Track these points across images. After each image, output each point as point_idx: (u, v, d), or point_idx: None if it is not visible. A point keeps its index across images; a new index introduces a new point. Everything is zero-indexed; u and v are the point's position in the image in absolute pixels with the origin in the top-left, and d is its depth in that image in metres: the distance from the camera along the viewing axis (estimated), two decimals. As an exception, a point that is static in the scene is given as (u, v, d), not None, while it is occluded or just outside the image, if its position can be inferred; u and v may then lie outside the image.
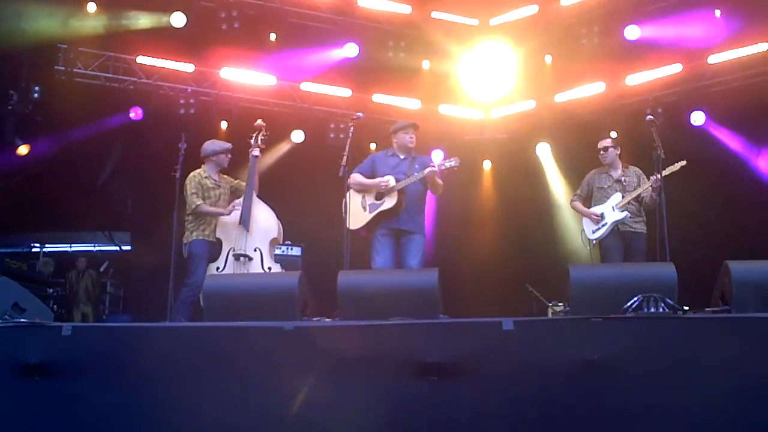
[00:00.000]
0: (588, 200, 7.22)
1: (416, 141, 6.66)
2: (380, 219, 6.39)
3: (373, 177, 6.49)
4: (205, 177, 6.64)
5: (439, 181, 6.44)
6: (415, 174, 6.36)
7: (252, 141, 6.74)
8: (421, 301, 4.31)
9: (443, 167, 6.32)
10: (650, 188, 6.69)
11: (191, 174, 6.59)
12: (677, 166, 6.65)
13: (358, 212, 6.39)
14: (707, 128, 9.46)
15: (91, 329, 4.97)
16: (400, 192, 6.36)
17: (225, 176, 6.81)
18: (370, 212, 6.39)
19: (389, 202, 6.36)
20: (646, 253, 6.81)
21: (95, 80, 9.59)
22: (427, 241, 6.61)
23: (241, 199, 6.57)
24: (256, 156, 6.70)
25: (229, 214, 6.47)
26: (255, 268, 6.31)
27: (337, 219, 6.31)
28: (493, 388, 3.86)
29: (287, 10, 9.86)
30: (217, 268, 6.32)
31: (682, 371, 3.75)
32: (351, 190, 6.46)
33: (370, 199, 6.44)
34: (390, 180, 6.39)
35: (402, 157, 6.61)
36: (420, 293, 4.38)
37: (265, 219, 6.52)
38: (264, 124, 6.80)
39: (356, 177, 6.46)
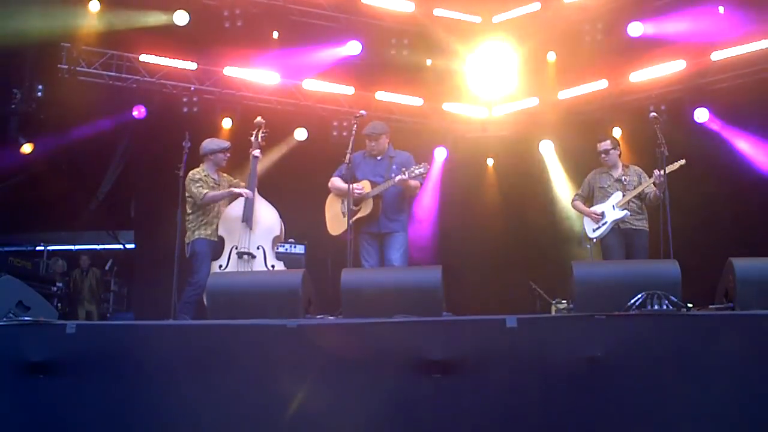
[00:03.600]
0: (589, 200, 7.22)
1: (419, 138, 6.63)
2: (359, 225, 6.33)
3: (352, 179, 6.31)
4: (205, 175, 6.65)
5: (413, 184, 6.30)
6: (389, 180, 6.23)
7: (252, 139, 6.74)
8: (425, 299, 4.32)
9: (413, 173, 6.16)
10: (653, 185, 6.70)
11: (191, 172, 6.59)
12: (676, 165, 6.65)
13: (337, 217, 6.38)
14: (711, 125, 9.43)
15: (95, 328, 5.00)
16: (376, 198, 6.29)
17: (224, 174, 6.82)
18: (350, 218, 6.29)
19: (365, 209, 6.30)
20: (650, 250, 6.80)
21: (98, 79, 9.56)
22: (431, 239, 6.61)
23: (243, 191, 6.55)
24: (257, 157, 6.70)
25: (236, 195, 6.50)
26: (258, 266, 6.32)
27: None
28: (497, 386, 3.86)
29: (290, 7, 9.83)
30: (220, 266, 6.33)
31: (686, 368, 3.75)
32: (330, 195, 6.45)
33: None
34: (365, 186, 6.32)
35: (378, 158, 6.49)
36: (423, 291, 4.39)
37: (267, 217, 6.53)
38: (264, 121, 6.79)
39: (335, 182, 6.44)
